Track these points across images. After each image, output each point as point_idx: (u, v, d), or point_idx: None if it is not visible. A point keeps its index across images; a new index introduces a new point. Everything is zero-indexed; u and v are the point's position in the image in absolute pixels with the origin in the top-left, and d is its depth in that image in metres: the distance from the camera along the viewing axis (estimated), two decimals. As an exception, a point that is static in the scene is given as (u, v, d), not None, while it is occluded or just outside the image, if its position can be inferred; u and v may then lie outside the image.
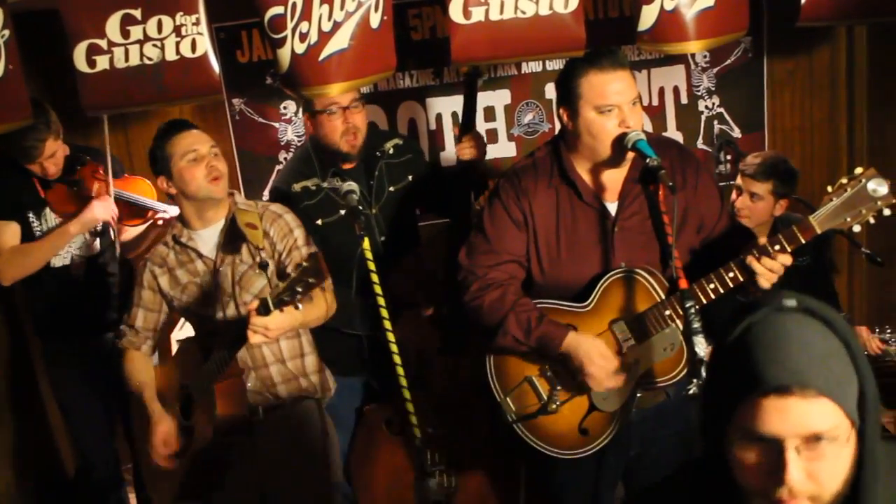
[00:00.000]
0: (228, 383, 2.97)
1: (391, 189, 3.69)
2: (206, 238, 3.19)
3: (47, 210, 3.91)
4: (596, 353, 2.78)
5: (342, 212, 3.50)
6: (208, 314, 3.16)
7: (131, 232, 4.12)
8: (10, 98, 2.93)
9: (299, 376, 3.22)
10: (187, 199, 3.15)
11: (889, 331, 3.85)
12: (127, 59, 2.95)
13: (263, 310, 2.70)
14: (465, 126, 3.64)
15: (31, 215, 3.90)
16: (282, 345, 3.19)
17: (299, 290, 2.61)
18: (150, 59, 2.96)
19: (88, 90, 2.99)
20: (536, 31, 2.91)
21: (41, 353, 4.34)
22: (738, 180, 3.88)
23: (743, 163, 3.91)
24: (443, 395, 3.55)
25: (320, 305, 3.07)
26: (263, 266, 3.03)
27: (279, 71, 2.96)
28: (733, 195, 3.88)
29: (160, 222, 4.02)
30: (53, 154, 3.76)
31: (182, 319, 3.76)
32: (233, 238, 3.13)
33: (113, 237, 3.99)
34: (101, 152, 3.91)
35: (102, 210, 3.81)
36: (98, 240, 4.03)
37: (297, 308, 2.69)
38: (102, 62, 2.95)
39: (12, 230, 3.85)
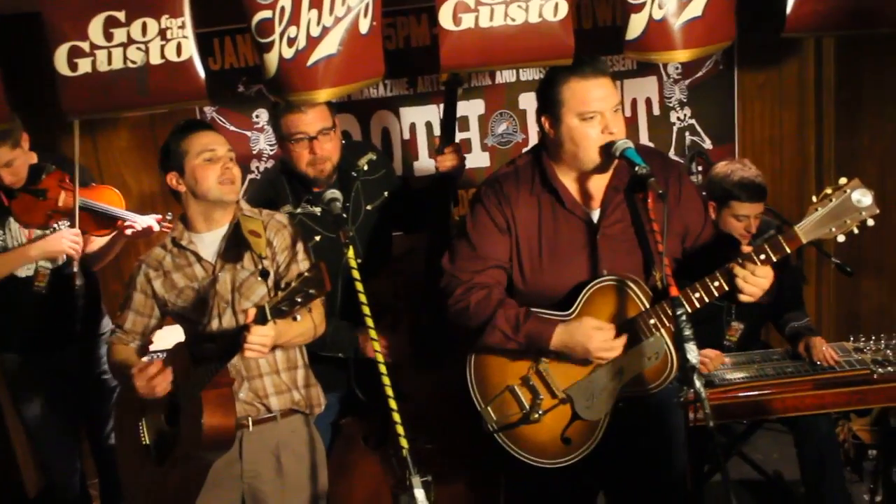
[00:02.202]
0: (217, 392, 2.88)
1: (368, 208, 3.61)
2: (208, 242, 3.12)
3: (12, 220, 3.82)
4: (590, 329, 2.76)
5: (317, 238, 3.43)
6: (203, 320, 3.08)
7: (98, 242, 4.04)
8: (-10, 101, 2.86)
9: (292, 388, 3.15)
10: (196, 199, 3.07)
11: (863, 339, 3.88)
12: (110, 63, 2.87)
13: (261, 319, 2.64)
14: (445, 136, 3.60)
15: None
16: (277, 355, 3.11)
17: (299, 300, 2.55)
18: (133, 62, 2.88)
19: (69, 94, 2.90)
20: (525, 38, 2.89)
21: (1, 368, 4.22)
22: None
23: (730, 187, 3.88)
24: (420, 408, 3.51)
25: (307, 322, 3.02)
26: (264, 275, 2.97)
27: (266, 76, 2.91)
28: None
29: (128, 231, 3.94)
30: (9, 163, 3.68)
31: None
32: (235, 244, 3.07)
33: (75, 268, 3.90)
34: (68, 160, 3.82)
35: (68, 243, 3.75)
36: None
37: (294, 319, 2.64)
38: (84, 65, 2.86)
39: None
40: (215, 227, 3.12)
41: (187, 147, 3.02)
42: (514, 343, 2.84)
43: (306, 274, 2.54)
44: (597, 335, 2.75)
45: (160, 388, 2.95)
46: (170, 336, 3.59)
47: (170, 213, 3.98)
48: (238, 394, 3.04)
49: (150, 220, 3.91)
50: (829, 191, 2.60)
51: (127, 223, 3.94)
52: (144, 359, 3.29)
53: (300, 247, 3.15)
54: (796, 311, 4.07)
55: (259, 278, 3.04)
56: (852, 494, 4.07)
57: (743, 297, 2.64)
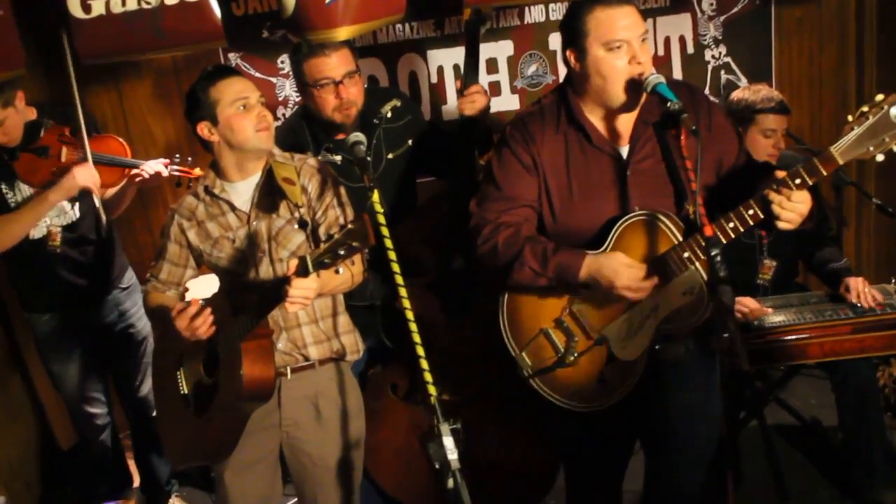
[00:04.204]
0: (257, 343, 2.83)
1: (389, 156, 3.56)
2: (242, 191, 3.05)
3: (19, 181, 3.77)
4: (620, 265, 2.69)
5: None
6: (240, 270, 3.03)
7: (109, 192, 3.95)
8: (3, 46, 2.80)
9: (331, 338, 3.12)
10: (231, 149, 2.98)
11: (904, 281, 3.79)
12: (124, 4, 2.81)
13: (303, 271, 2.57)
14: (468, 77, 3.51)
15: (3, 186, 3.77)
16: (315, 304, 3.06)
17: (342, 253, 2.47)
18: (148, 3, 2.82)
19: (84, 37, 2.86)
20: (552, -30, 2.80)
21: (28, 326, 4.22)
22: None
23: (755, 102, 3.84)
24: (448, 359, 3.47)
25: (347, 272, 2.92)
26: (303, 224, 2.92)
27: (284, 15, 2.84)
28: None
29: (137, 180, 3.86)
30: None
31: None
32: (269, 192, 3.01)
33: (96, 203, 3.81)
34: (67, 111, 3.72)
35: (84, 175, 3.64)
36: (77, 205, 3.89)
37: (336, 272, 2.57)
38: (98, 7, 2.81)
39: None
40: (248, 176, 3.05)
41: (218, 95, 2.93)
42: (543, 278, 2.77)
43: (349, 226, 2.46)
44: (625, 272, 2.67)
45: (202, 330, 2.86)
46: (204, 285, 3.56)
47: (177, 155, 3.89)
48: (276, 344, 3.01)
49: (157, 166, 3.83)
50: (865, 108, 2.47)
51: (135, 171, 3.86)
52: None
53: (337, 191, 3.07)
54: (832, 250, 3.96)
55: (296, 226, 2.99)
56: (892, 440, 4.00)
57: (781, 224, 2.54)
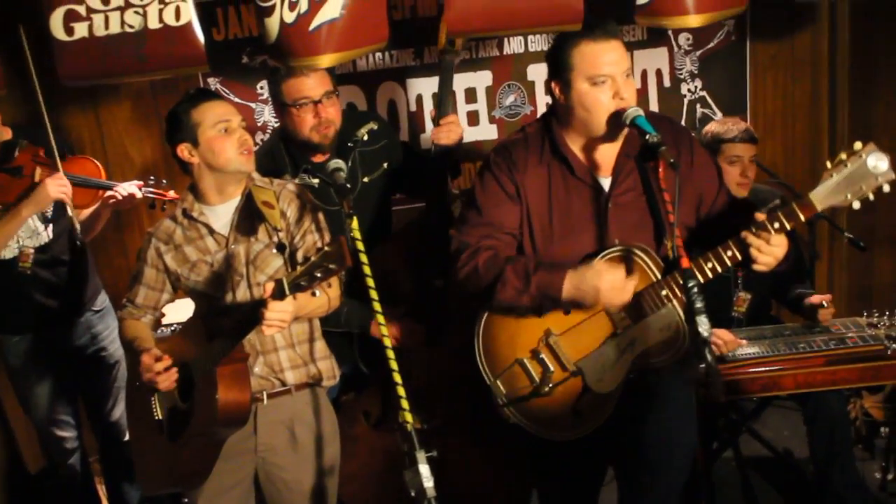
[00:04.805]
0: (232, 368, 2.81)
1: (365, 180, 3.56)
2: (220, 214, 3.04)
3: None
4: (602, 268, 2.70)
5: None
6: (217, 294, 3.02)
7: (83, 213, 3.93)
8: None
9: (308, 362, 3.11)
10: (211, 171, 2.98)
11: (877, 315, 3.81)
12: (107, 27, 2.80)
13: (279, 293, 2.58)
14: (443, 107, 3.52)
15: None
16: (293, 329, 3.05)
17: (318, 275, 2.48)
18: (131, 26, 2.81)
19: (66, 60, 2.84)
20: (534, 1, 2.82)
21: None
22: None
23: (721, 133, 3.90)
24: (423, 386, 3.46)
25: (324, 295, 2.93)
26: (281, 248, 2.92)
27: (266, 41, 2.85)
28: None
29: (111, 201, 3.84)
30: None
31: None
32: (248, 216, 3.00)
33: (71, 217, 3.78)
34: (41, 132, 3.68)
35: (56, 188, 3.60)
36: (50, 227, 3.85)
37: (313, 295, 2.58)
38: (81, 29, 2.80)
39: None
40: (228, 199, 3.05)
41: (200, 118, 2.93)
42: (526, 296, 2.77)
43: (326, 248, 2.47)
44: (608, 273, 2.68)
45: (162, 386, 2.92)
46: (182, 309, 3.53)
47: (152, 178, 3.89)
48: (253, 368, 3.00)
49: (131, 188, 3.81)
50: (843, 156, 2.52)
51: (109, 193, 3.83)
52: (157, 333, 3.25)
53: (315, 216, 3.07)
54: (803, 285, 4.00)
55: (274, 251, 2.99)
56: (863, 472, 4.02)
57: (758, 267, 2.59)
